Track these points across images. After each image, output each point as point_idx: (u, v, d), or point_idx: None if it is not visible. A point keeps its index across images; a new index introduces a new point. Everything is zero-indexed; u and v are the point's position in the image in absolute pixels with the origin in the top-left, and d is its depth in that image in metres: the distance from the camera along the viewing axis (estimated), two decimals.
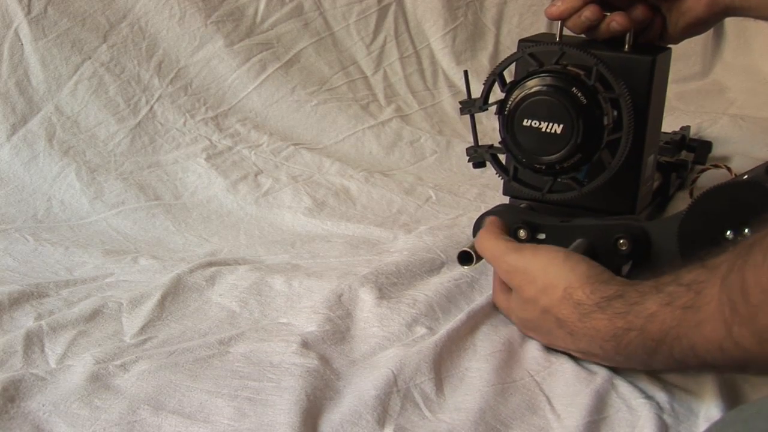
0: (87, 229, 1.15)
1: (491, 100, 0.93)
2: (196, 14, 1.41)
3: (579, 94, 0.87)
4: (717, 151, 1.32)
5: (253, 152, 1.33)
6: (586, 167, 0.90)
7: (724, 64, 1.69)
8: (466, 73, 0.95)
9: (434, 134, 1.43)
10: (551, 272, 0.81)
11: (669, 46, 1.02)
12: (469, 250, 0.85)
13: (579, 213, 0.93)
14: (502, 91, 0.91)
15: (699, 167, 1.23)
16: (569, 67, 0.90)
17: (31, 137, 1.26)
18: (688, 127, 1.32)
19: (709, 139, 1.31)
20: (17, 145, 1.25)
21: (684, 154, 1.25)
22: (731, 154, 1.33)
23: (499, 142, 0.93)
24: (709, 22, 1.03)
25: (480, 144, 0.94)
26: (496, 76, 0.92)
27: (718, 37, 1.72)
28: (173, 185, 1.25)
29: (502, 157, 0.95)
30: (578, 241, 0.87)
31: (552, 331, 0.81)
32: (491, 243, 0.86)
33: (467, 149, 0.95)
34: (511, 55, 0.93)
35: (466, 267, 0.86)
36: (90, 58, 1.34)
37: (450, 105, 1.51)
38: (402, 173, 1.32)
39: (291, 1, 1.49)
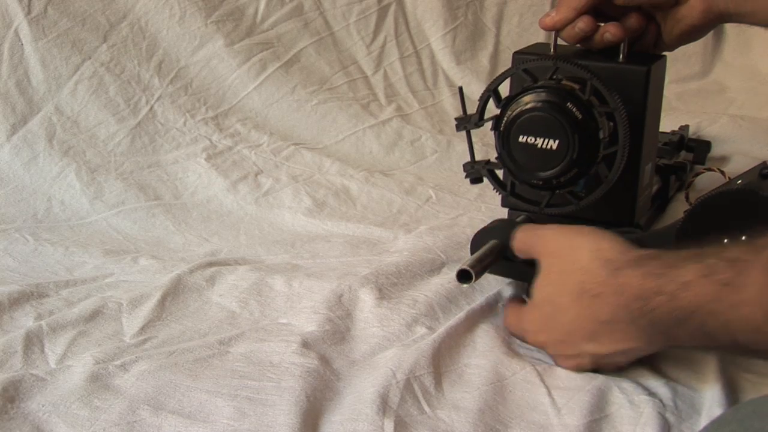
0: (87, 229, 1.15)
1: (489, 112, 0.92)
2: (196, 14, 1.41)
3: (574, 109, 0.86)
4: (716, 150, 1.32)
5: (253, 152, 1.33)
6: (584, 180, 0.89)
7: (724, 64, 1.69)
8: (461, 89, 0.94)
9: (435, 134, 1.43)
10: (577, 237, 0.79)
11: (663, 53, 1.02)
12: (467, 268, 0.85)
13: (578, 224, 0.92)
14: (497, 107, 0.91)
15: (698, 167, 1.22)
16: (564, 82, 0.89)
17: (31, 137, 1.26)
18: (686, 127, 1.31)
19: (708, 139, 1.31)
20: (17, 145, 1.25)
21: (683, 154, 1.25)
22: (731, 153, 1.32)
23: (496, 158, 0.92)
24: (704, 29, 1.02)
25: (477, 160, 0.94)
26: (490, 93, 0.91)
27: (718, 37, 1.72)
28: (173, 185, 1.25)
29: (500, 172, 0.95)
30: None
31: (568, 310, 0.77)
32: (523, 232, 0.86)
33: (464, 165, 0.94)
34: (506, 70, 0.92)
35: (465, 285, 0.86)
36: (90, 58, 1.34)
37: (450, 105, 1.51)
38: (402, 173, 1.32)
39: (291, 1, 1.49)
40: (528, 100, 0.88)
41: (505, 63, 1.57)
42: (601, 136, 0.88)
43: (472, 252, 0.89)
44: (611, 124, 0.88)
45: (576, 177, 0.88)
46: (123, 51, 1.36)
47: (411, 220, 1.16)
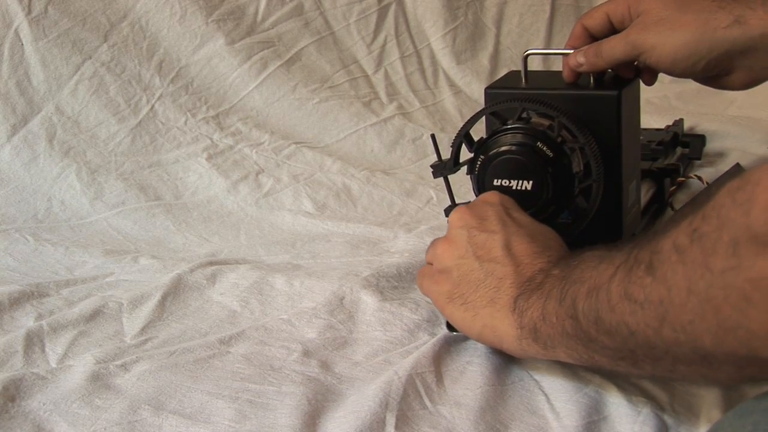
0: (87, 229, 1.16)
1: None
2: (196, 13, 1.41)
3: (544, 149, 0.85)
4: (713, 146, 1.31)
5: (254, 151, 1.33)
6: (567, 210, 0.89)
7: None
8: (433, 136, 0.94)
9: (436, 132, 1.43)
10: None
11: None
12: None
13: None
14: (469, 151, 0.90)
15: (694, 166, 1.22)
16: (533, 120, 0.89)
17: (32, 138, 1.26)
18: (681, 121, 1.30)
19: (703, 133, 1.30)
20: (18, 146, 1.25)
21: (678, 150, 1.24)
22: (728, 149, 1.32)
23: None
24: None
25: (457, 203, 0.94)
26: (462, 138, 0.91)
27: None
28: (174, 185, 1.25)
29: None
30: None
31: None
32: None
33: (445, 210, 0.94)
34: (474, 115, 0.91)
35: (455, 333, 0.86)
36: (90, 57, 1.34)
37: (451, 104, 1.51)
38: (404, 172, 1.32)
39: (291, 0, 1.49)
40: (498, 143, 0.88)
41: (505, 63, 1.57)
42: (575, 170, 0.87)
43: None
44: (585, 156, 0.88)
45: (554, 214, 0.88)
46: (123, 50, 1.36)
47: (411, 221, 1.16)
